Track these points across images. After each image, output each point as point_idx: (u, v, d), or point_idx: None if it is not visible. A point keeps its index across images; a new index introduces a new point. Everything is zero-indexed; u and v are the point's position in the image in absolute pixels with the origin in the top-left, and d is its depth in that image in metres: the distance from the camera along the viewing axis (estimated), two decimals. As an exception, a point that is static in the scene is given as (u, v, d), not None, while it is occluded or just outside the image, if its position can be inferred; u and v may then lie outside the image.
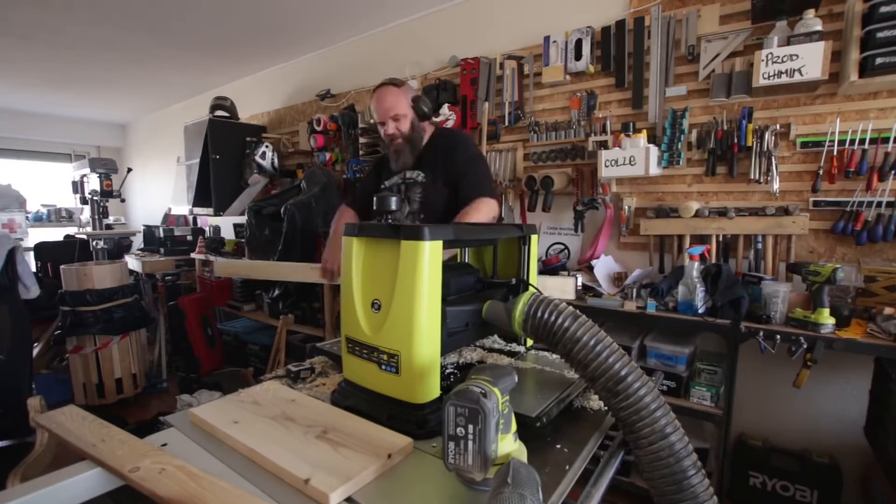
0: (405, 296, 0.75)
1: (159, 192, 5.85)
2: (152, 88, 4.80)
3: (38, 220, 5.61)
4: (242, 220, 3.45)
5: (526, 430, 0.72)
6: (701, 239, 2.06)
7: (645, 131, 2.07)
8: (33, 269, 3.58)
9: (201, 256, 3.87)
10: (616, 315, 1.96)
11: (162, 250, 4.20)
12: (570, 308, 0.71)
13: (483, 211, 1.61)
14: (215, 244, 3.89)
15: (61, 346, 3.13)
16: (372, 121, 1.78)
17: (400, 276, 0.76)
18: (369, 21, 3.15)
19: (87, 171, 4.03)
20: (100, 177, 3.94)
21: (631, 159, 2.02)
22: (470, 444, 0.59)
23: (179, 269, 4.11)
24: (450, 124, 2.73)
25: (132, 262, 3.93)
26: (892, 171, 1.70)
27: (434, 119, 2.81)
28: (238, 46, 3.61)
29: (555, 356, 1.11)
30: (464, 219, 1.58)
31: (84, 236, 4.06)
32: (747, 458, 1.89)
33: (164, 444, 0.77)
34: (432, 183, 1.68)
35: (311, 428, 0.78)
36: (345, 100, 3.49)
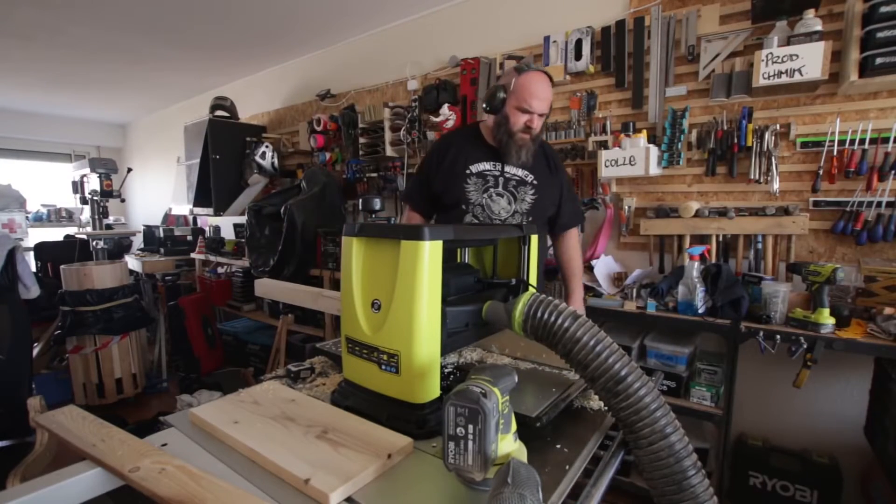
0: (405, 296, 0.75)
1: (159, 192, 5.85)
2: (152, 89, 4.80)
3: (38, 220, 5.61)
4: (242, 220, 3.45)
5: (526, 430, 0.72)
6: (701, 239, 2.06)
7: (645, 131, 2.07)
8: (33, 269, 3.58)
9: (201, 256, 3.87)
10: (616, 315, 1.96)
11: (162, 250, 4.20)
12: (571, 308, 0.71)
13: (580, 251, 1.82)
14: (215, 244, 3.90)
15: (61, 346, 3.13)
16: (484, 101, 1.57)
17: (400, 276, 0.76)
18: (369, 21, 3.15)
19: (87, 171, 4.03)
20: (100, 177, 3.94)
21: (631, 159, 2.03)
22: (470, 444, 0.59)
23: (179, 269, 4.11)
24: (450, 124, 2.73)
25: (132, 262, 3.94)
26: (892, 171, 1.70)
27: (433, 119, 2.81)
28: (238, 47, 3.61)
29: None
30: (574, 262, 1.78)
31: (84, 236, 4.06)
32: (747, 458, 1.89)
33: (164, 444, 0.77)
34: (545, 184, 1.64)
35: (311, 428, 0.78)
36: (345, 100, 3.49)
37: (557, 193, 1.68)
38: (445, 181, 1.64)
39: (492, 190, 1.61)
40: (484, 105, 1.58)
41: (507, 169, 1.61)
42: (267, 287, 1.68)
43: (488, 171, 1.61)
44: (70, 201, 5.38)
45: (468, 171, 1.61)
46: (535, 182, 1.62)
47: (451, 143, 1.72)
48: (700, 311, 1.80)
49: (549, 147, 1.75)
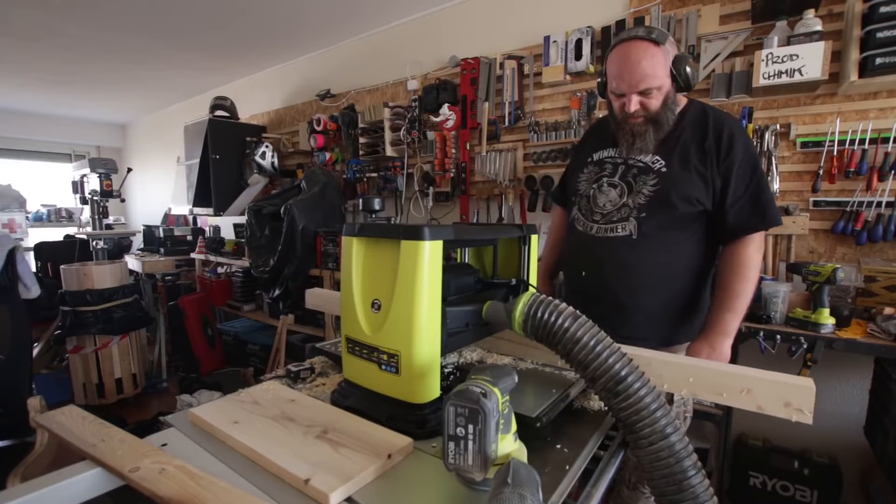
0: (405, 296, 0.75)
1: (159, 192, 5.85)
2: (152, 89, 4.80)
3: (38, 220, 5.62)
4: (242, 220, 3.45)
5: (526, 430, 0.72)
6: (701, 239, 2.05)
7: (645, 131, 2.07)
8: (33, 269, 3.58)
9: (201, 256, 3.87)
10: (616, 315, 1.96)
11: (162, 250, 4.20)
12: (571, 308, 0.71)
13: (754, 273, 1.22)
14: (215, 244, 3.90)
15: (61, 346, 3.13)
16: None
17: (400, 276, 0.76)
18: (369, 21, 3.15)
19: (87, 171, 4.03)
20: (100, 177, 3.94)
21: (631, 159, 2.01)
22: (470, 444, 0.59)
23: (179, 269, 4.11)
24: (449, 124, 2.73)
25: (132, 262, 3.94)
26: (892, 171, 1.70)
27: (433, 119, 2.80)
28: (238, 47, 3.61)
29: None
30: (728, 283, 1.22)
31: (84, 236, 4.06)
32: (747, 458, 1.89)
33: (164, 444, 0.77)
34: (680, 171, 1.23)
35: (311, 428, 0.78)
36: (345, 100, 3.49)
37: (706, 184, 1.22)
38: (571, 172, 1.50)
39: (605, 180, 1.34)
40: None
41: (632, 155, 1.31)
42: (320, 298, 1.45)
43: (609, 158, 1.37)
44: (70, 201, 5.38)
45: (589, 160, 1.41)
46: (662, 169, 1.24)
47: (589, 131, 1.62)
48: (700, 311, 1.80)
49: (726, 119, 1.27)
